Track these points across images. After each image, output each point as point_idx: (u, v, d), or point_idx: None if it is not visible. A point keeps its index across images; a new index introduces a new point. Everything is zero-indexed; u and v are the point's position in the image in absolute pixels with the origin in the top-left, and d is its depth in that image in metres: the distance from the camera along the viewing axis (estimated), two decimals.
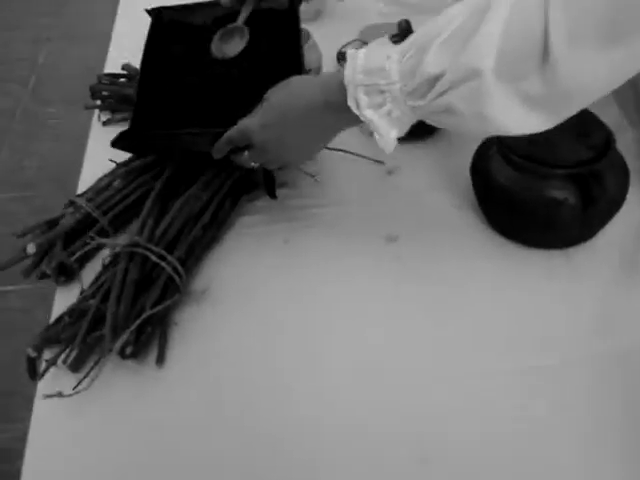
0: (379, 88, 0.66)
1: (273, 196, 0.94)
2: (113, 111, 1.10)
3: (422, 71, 0.62)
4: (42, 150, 2.35)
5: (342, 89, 0.68)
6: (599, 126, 0.82)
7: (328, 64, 1.10)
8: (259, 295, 0.83)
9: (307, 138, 0.76)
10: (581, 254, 0.85)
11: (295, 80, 0.76)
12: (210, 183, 0.88)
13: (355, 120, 0.69)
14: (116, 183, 0.89)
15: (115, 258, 0.80)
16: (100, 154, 0.95)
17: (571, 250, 0.85)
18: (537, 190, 0.81)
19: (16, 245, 0.82)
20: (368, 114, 0.67)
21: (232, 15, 1.03)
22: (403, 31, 1.03)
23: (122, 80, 1.11)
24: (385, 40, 0.69)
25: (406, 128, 0.70)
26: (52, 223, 0.85)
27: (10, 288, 1.87)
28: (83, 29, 2.90)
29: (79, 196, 0.89)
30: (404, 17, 1.08)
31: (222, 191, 0.88)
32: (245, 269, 0.86)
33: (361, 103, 0.67)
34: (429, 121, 0.68)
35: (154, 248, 0.79)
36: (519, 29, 0.57)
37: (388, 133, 0.68)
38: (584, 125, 0.81)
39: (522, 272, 0.84)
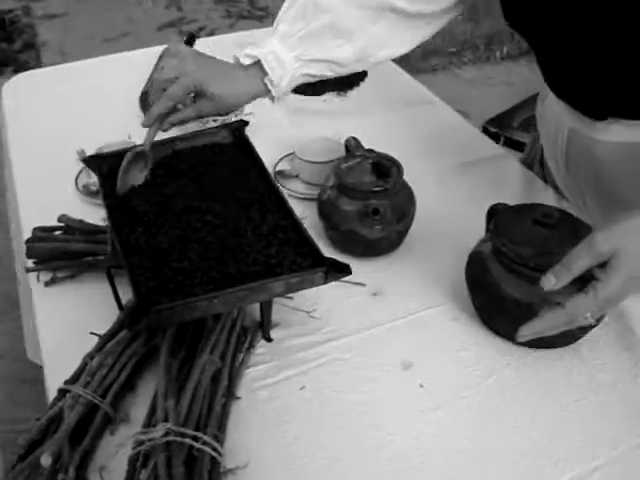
0: None
1: (269, 339, 0.89)
2: (54, 269, 0.98)
3: None
4: None
5: None
6: (587, 229, 0.87)
7: None
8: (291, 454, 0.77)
9: None
10: (585, 346, 0.88)
11: None
12: (217, 342, 0.81)
13: None
14: (107, 360, 0.80)
15: (139, 451, 0.70)
16: (55, 318, 0.89)
17: (578, 344, 0.88)
18: (543, 296, 0.83)
19: None
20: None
21: (177, 153, 0.99)
22: (353, 148, 1.04)
23: (58, 233, 1.01)
24: None
25: None
26: (52, 420, 0.74)
27: None
28: None
29: (69, 383, 0.78)
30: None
31: (230, 348, 0.82)
32: (268, 428, 0.80)
33: None
34: None
35: (188, 431, 0.71)
36: None
37: None
38: (575, 229, 0.86)
39: (544, 376, 0.85)
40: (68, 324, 0.93)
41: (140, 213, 0.88)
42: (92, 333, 0.85)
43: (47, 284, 0.98)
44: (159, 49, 1.54)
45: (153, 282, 0.78)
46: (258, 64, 0.91)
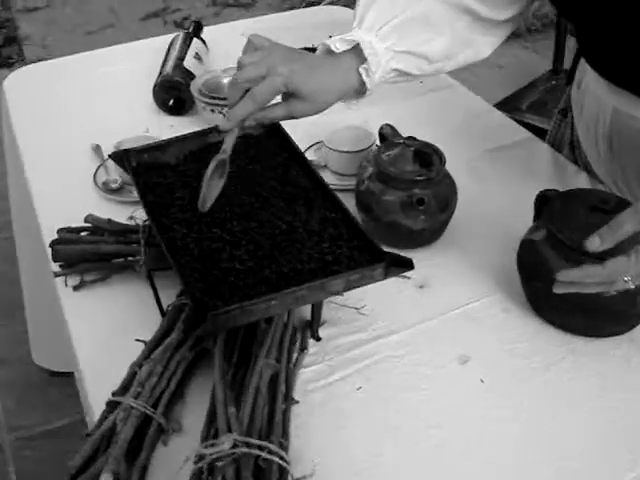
0: None
1: (318, 338, 0.85)
2: (83, 272, 0.94)
3: None
4: None
5: None
6: None
7: None
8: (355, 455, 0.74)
9: None
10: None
11: None
12: (272, 344, 0.77)
13: None
14: (156, 368, 0.75)
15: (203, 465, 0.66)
16: (87, 323, 0.85)
17: (633, 333, 0.86)
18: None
19: None
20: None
21: (208, 147, 0.94)
22: (390, 136, 1.00)
23: (84, 234, 0.96)
24: None
25: None
26: (106, 436, 0.69)
27: None
28: None
29: (118, 394, 0.73)
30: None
31: (284, 350, 0.78)
32: (329, 432, 0.76)
33: None
34: None
35: (254, 441, 0.67)
36: None
37: None
38: None
39: (602, 366, 0.83)
40: (102, 329, 0.89)
41: (181, 212, 0.84)
42: (138, 340, 0.80)
43: (76, 288, 0.93)
44: (165, 39, 1.50)
45: (203, 284, 0.74)
46: (352, 52, 0.84)
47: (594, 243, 0.72)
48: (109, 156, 0.93)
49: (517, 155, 1.19)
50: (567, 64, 2.09)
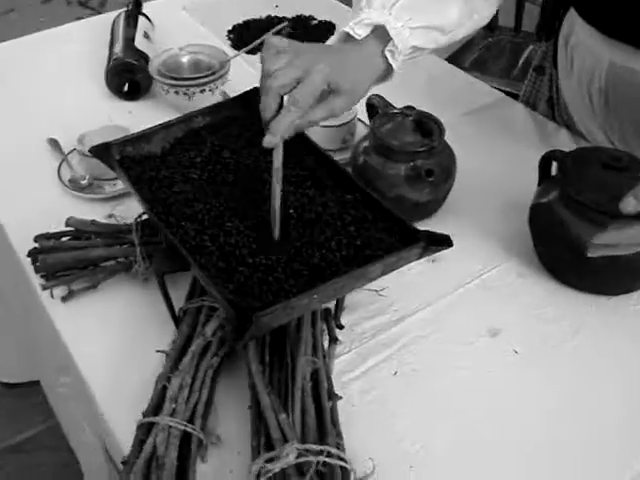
0: None
1: (341, 326, 0.81)
2: (70, 282, 0.85)
3: None
4: None
5: None
6: None
7: None
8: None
9: None
10: None
11: None
12: (307, 339, 0.72)
13: None
14: (186, 379, 0.69)
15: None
16: (82, 338, 0.79)
17: None
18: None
19: None
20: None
21: (194, 132, 0.87)
22: (382, 107, 0.95)
23: (66, 239, 0.87)
24: None
25: None
26: (146, 461, 0.63)
27: None
28: None
29: (150, 414, 0.67)
30: None
31: (319, 344, 0.73)
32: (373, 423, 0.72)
33: None
34: None
35: (313, 447, 0.62)
36: None
37: None
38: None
39: (631, 321, 0.83)
40: (103, 341, 0.81)
41: (187, 207, 0.77)
42: (159, 351, 0.74)
43: (65, 299, 0.85)
44: (102, 19, 1.40)
45: (232, 284, 0.68)
46: (373, 36, 0.80)
47: (630, 204, 0.70)
48: (89, 151, 0.84)
49: (494, 117, 1.17)
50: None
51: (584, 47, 0.98)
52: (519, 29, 2.02)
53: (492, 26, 2.05)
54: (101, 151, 0.83)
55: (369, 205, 0.77)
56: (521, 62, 1.93)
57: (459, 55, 1.96)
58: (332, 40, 0.84)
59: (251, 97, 0.90)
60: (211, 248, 0.72)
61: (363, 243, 0.73)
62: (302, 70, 0.71)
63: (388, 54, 0.80)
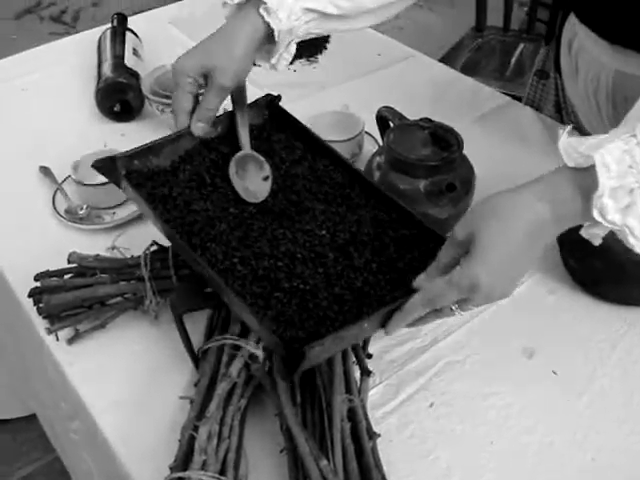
0: (629, 187, 0.55)
1: (369, 355, 0.76)
2: (77, 322, 0.80)
3: None
4: None
5: (576, 197, 0.58)
6: None
7: None
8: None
9: (529, 263, 0.62)
10: None
11: (499, 202, 0.60)
12: (341, 374, 0.67)
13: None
14: (214, 427, 0.64)
15: None
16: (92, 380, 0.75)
17: None
18: None
19: None
20: (617, 219, 0.56)
21: (205, 144, 0.82)
22: (393, 119, 0.91)
23: (68, 277, 0.81)
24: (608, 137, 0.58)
25: None
26: None
27: None
28: None
29: (178, 468, 0.62)
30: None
31: (352, 379, 0.69)
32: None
33: (607, 208, 0.56)
34: None
35: None
36: None
37: None
38: None
39: None
40: (112, 384, 0.76)
41: (210, 226, 0.71)
42: (182, 397, 0.68)
43: (71, 341, 0.80)
44: (86, 36, 1.34)
45: (271, 311, 0.63)
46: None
47: (419, 278, 0.63)
48: (92, 166, 0.77)
49: (503, 121, 1.14)
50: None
51: (588, 54, 0.95)
52: (508, 28, 1.99)
53: (481, 26, 2.02)
54: (106, 166, 0.76)
55: (407, 223, 0.72)
56: (513, 61, 1.90)
57: (449, 58, 1.92)
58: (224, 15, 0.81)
59: (262, 104, 0.86)
60: (243, 272, 0.66)
61: (406, 265, 0.68)
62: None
63: (263, 12, 0.75)
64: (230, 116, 0.82)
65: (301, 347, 0.56)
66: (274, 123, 0.85)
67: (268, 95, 0.86)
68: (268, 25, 0.76)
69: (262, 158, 0.79)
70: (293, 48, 0.82)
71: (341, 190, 0.77)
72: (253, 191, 0.76)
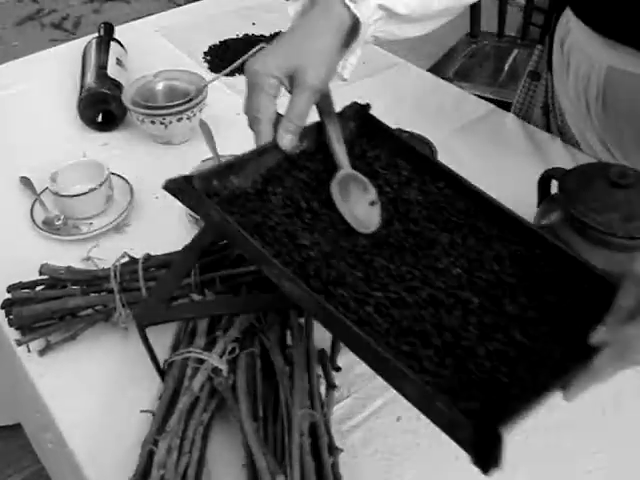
0: None
1: (338, 368, 0.76)
2: (48, 334, 0.80)
3: None
4: None
5: None
6: None
7: None
8: None
9: None
10: None
11: None
12: (302, 386, 0.67)
13: None
14: (174, 442, 0.64)
15: None
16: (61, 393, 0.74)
17: None
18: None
19: None
20: None
21: (290, 160, 0.68)
22: None
23: (40, 288, 0.81)
24: None
25: None
26: None
27: None
28: None
29: None
30: None
31: (315, 392, 0.68)
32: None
33: None
34: None
35: None
36: None
37: None
38: None
39: None
40: (81, 396, 0.76)
41: (323, 265, 0.59)
42: (143, 411, 0.68)
43: (42, 352, 0.80)
44: (74, 45, 1.34)
45: (426, 375, 0.52)
46: None
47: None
48: (163, 188, 0.62)
49: (486, 131, 1.13)
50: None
51: (580, 50, 0.94)
52: (502, 33, 1.99)
53: (475, 32, 2.02)
54: (180, 187, 0.61)
55: (555, 260, 0.61)
56: (507, 67, 1.89)
57: (443, 64, 1.92)
58: (293, 10, 0.73)
59: (349, 115, 0.73)
60: (383, 325, 0.55)
61: (567, 311, 0.57)
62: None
63: (349, 3, 0.67)
64: (317, 128, 0.69)
65: (494, 426, 0.45)
66: (365, 137, 0.73)
67: (355, 103, 0.73)
68: (354, 17, 0.68)
69: (365, 179, 0.67)
70: (359, 52, 0.73)
71: (465, 219, 0.65)
72: (362, 219, 0.64)
